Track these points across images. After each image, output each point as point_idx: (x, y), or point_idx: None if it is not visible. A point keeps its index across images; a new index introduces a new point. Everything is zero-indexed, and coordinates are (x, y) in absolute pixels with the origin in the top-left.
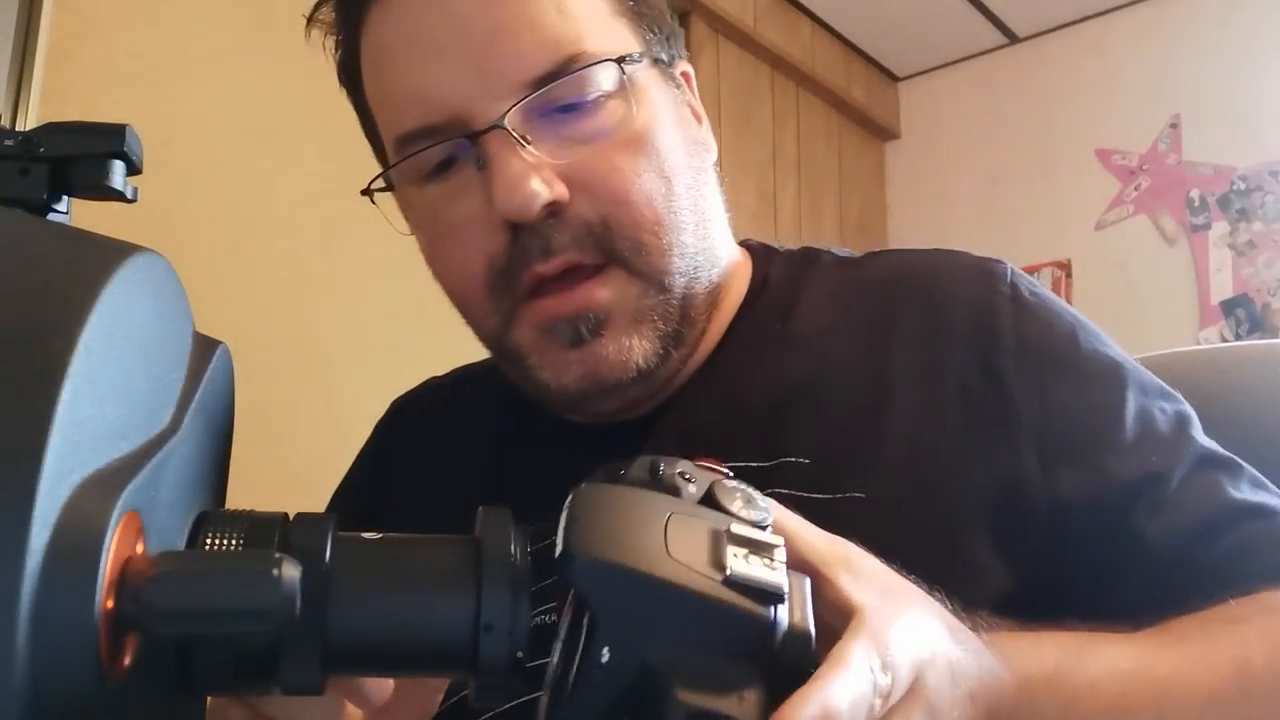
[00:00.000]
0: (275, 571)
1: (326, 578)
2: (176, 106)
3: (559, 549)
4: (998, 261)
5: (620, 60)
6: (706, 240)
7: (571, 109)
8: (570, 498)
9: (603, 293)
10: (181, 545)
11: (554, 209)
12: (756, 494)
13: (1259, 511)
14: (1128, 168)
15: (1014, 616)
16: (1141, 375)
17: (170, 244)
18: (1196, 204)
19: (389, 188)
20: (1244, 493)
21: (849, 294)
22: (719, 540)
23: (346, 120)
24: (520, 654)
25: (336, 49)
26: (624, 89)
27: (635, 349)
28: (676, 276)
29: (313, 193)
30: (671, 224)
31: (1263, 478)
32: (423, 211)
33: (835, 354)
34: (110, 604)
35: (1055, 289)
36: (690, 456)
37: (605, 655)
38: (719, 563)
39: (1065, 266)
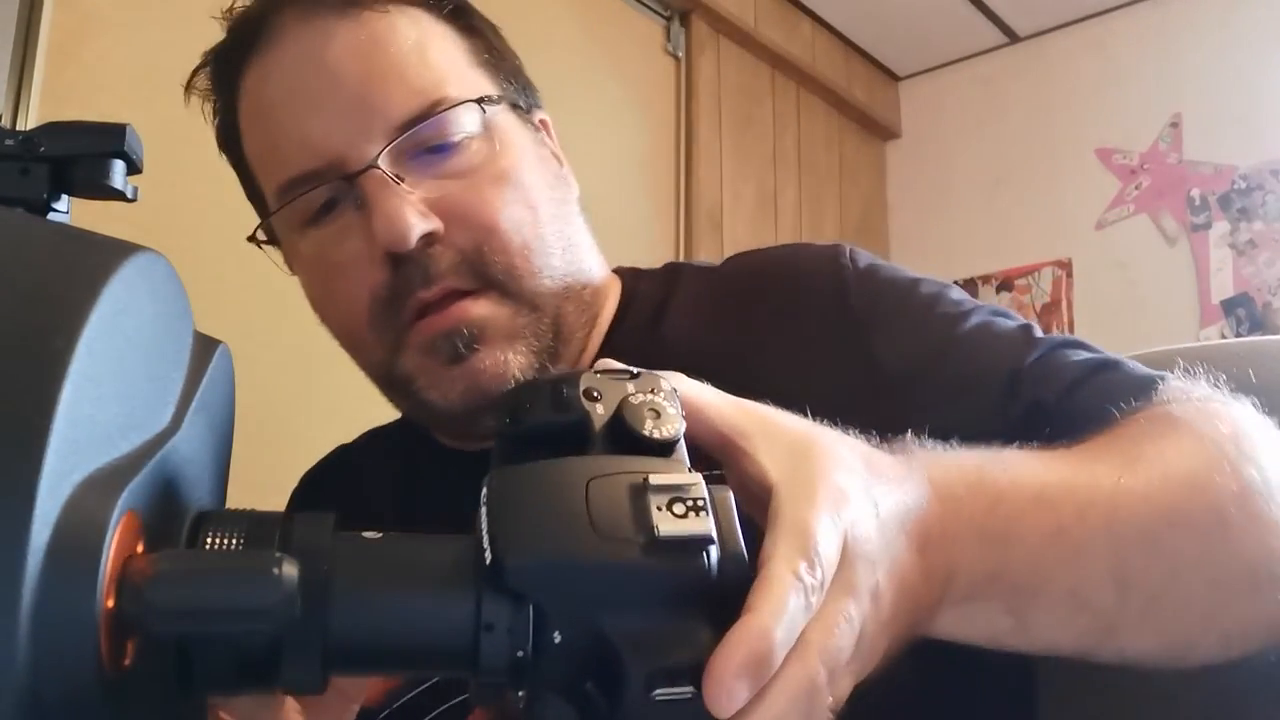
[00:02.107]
0: (275, 570)
1: (327, 577)
2: (177, 106)
3: (488, 556)
4: (840, 244)
5: (480, 101)
6: (574, 264)
7: (439, 150)
8: (485, 492)
9: (477, 309)
10: (181, 545)
11: (430, 239)
12: (663, 397)
13: (1106, 364)
14: (1128, 167)
15: None
16: (982, 304)
17: (170, 243)
18: (1197, 203)
19: (273, 241)
20: (1087, 355)
21: (711, 295)
22: (641, 497)
23: None
24: (521, 653)
25: (214, 114)
26: (486, 131)
27: (511, 362)
28: (547, 297)
29: None
30: (539, 249)
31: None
32: (306, 256)
33: (703, 351)
34: (110, 603)
35: (1056, 288)
36: None
37: (557, 637)
38: (645, 524)
39: (1066, 266)
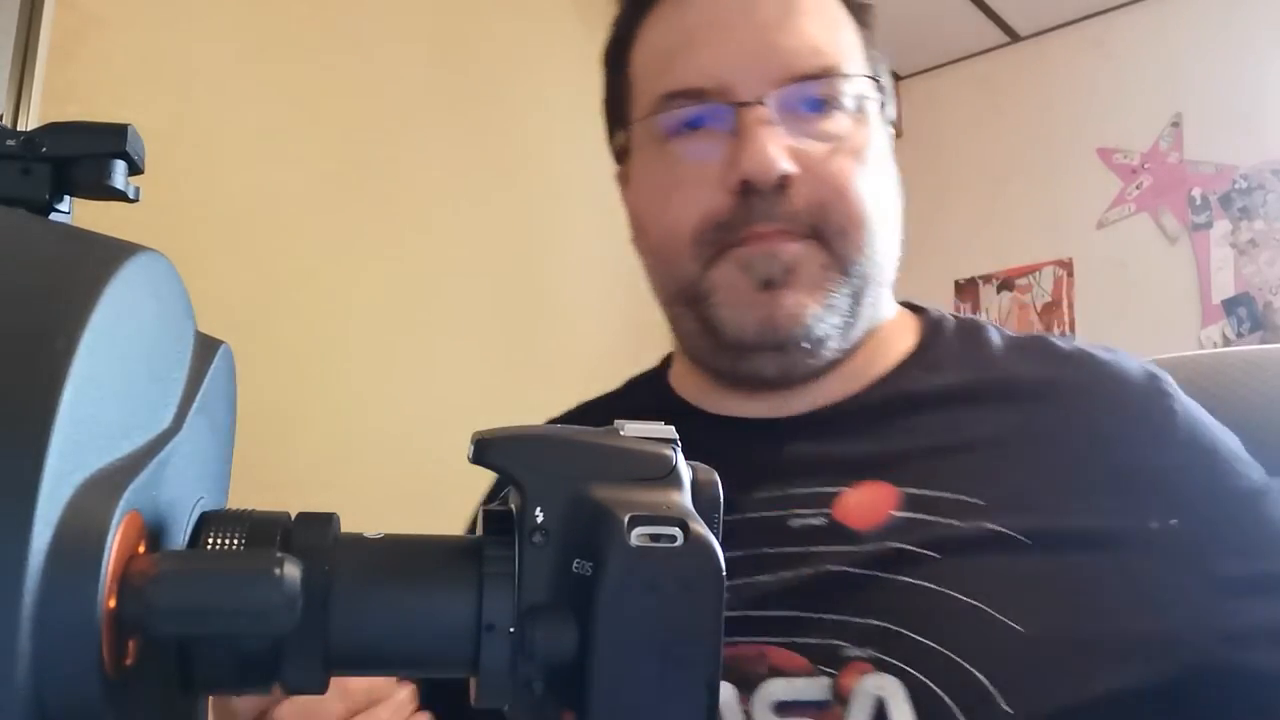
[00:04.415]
0: (277, 571)
1: (328, 577)
2: (178, 105)
3: (471, 453)
4: (1156, 368)
5: (872, 78)
6: (886, 259)
7: (817, 109)
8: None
9: (797, 248)
10: (183, 545)
11: (784, 183)
12: None
13: None
14: (1129, 166)
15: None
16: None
17: (172, 243)
18: (1198, 202)
19: (622, 157)
20: None
21: (1021, 359)
22: (612, 429)
23: (347, 120)
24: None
25: (612, 28)
26: (859, 111)
27: (810, 308)
28: (858, 270)
29: (315, 192)
30: (870, 229)
31: None
32: (656, 165)
33: (1010, 410)
34: (112, 604)
35: (1057, 288)
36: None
37: (540, 515)
38: (613, 430)
39: (1067, 265)
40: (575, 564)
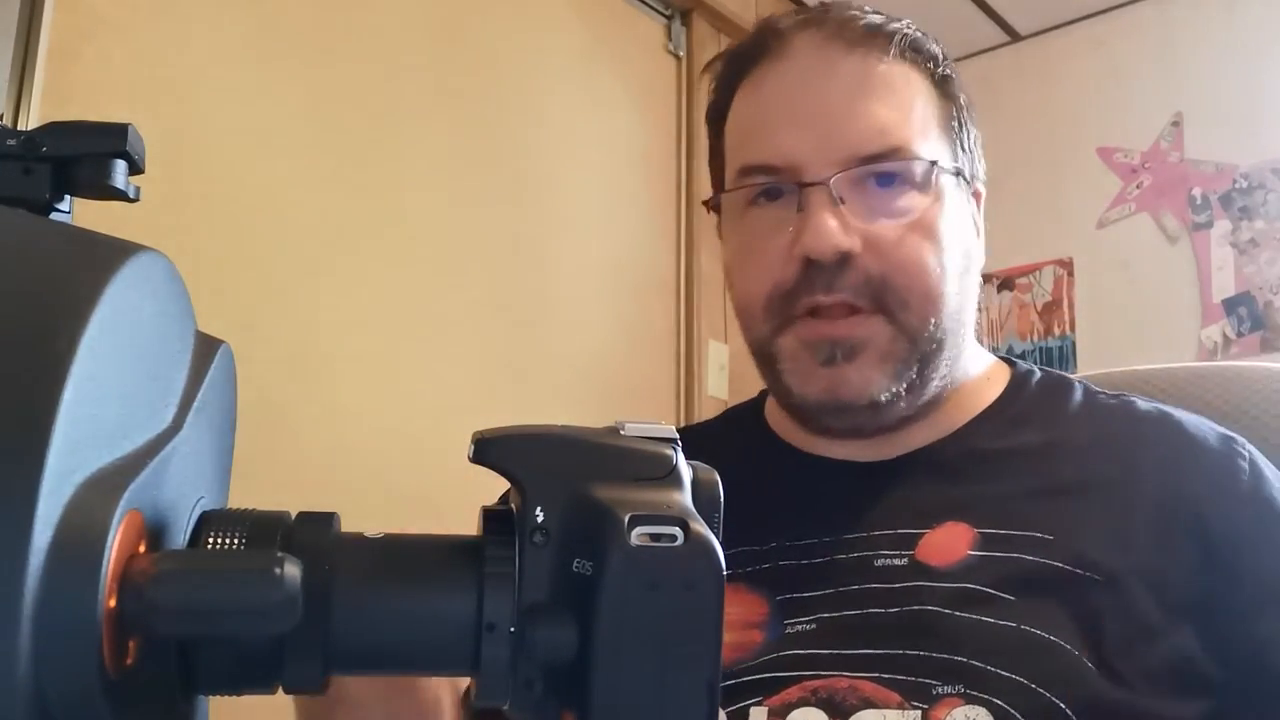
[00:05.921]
0: (277, 570)
1: (329, 577)
2: (179, 105)
3: (471, 453)
4: (1237, 435)
5: (933, 163)
6: (956, 323)
7: (885, 185)
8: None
9: (863, 330)
10: (184, 544)
11: (846, 258)
12: None
13: None
14: (1129, 166)
15: None
16: None
17: (172, 243)
18: (1198, 202)
19: (718, 209)
20: None
21: (1102, 417)
22: (613, 429)
23: (348, 121)
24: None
25: (712, 91)
26: (932, 185)
27: (874, 381)
28: (925, 340)
29: (315, 192)
30: (935, 299)
31: None
32: (738, 229)
33: (1085, 463)
34: (113, 603)
35: (1057, 287)
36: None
37: (540, 515)
38: (614, 429)
39: (1067, 265)
40: (575, 564)
